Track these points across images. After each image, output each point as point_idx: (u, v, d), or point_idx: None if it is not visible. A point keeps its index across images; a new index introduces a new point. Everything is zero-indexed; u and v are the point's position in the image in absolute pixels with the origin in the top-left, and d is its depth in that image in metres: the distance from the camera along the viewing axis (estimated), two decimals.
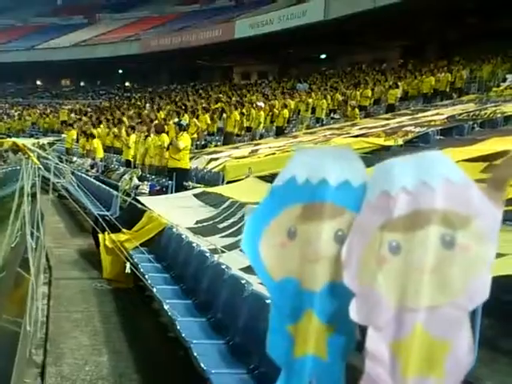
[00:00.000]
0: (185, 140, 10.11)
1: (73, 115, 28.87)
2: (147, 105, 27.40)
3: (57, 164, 5.77)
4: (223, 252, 4.68)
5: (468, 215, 1.38)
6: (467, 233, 1.38)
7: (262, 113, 17.55)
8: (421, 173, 1.44)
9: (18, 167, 5.16)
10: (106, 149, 16.47)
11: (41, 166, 4.43)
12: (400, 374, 1.44)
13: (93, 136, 15.50)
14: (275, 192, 1.72)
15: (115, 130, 16.51)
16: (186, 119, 15.31)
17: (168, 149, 10.49)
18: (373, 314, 1.47)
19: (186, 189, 9.20)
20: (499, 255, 2.53)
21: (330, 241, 1.60)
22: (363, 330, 1.52)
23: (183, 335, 3.67)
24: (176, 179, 9.70)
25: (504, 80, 18.82)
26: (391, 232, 1.46)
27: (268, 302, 3.29)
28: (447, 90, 19.10)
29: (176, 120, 14.51)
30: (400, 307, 1.44)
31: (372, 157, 9.67)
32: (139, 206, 6.88)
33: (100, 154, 14.69)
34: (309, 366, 1.64)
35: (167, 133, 11.88)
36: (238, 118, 16.80)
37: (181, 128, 10.43)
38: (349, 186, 1.60)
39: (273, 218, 1.70)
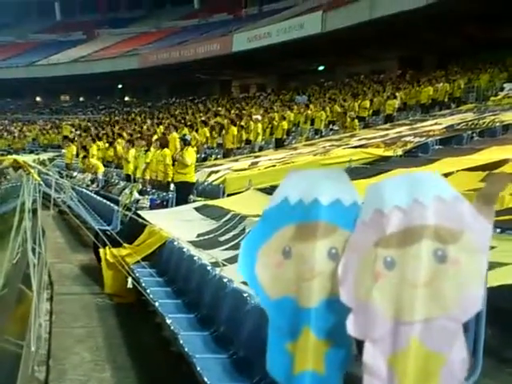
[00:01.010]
0: (190, 155, 10.14)
1: (73, 130, 28.98)
2: (148, 120, 27.49)
3: (57, 179, 5.77)
4: (225, 265, 4.67)
5: (459, 230, 1.43)
6: (458, 247, 1.43)
7: (259, 125, 17.61)
8: (413, 191, 1.49)
9: (19, 183, 5.18)
10: (106, 163, 16.51)
11: (42, 183, 4.44)
12: None
13: (87, 157, 15.49)
14: (268, 215, 1.76)
15: (115, 144, 16.56)
16: (185, 133, 15.34)
17: (173, 164, 10.51)
18: (369, 328, 1.50)
19: (188, 202, 9.20)
20: (503, 264, 2.53)
21: (324, 258, 1.64)
22: (360, 344, 1.53)
23: (186, 349, 3.66)
24: (181, 193, 9.70)
25: (502, 89, 18.90)
26: (385, 248, 1.51)
27: None
28: (445, 99, 19.18)
29: (178, 134, 14.59)
30: (396, 321, 1.46)
31: (371, 167, 9.70)
32: (140, 220, 6.88)
33: (101, 169, 14.72)
34: (308, 381, 1.65)
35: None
36: (236, 133, 16.84)
37: (185, 142, 10.46)
38: (340, 205, 1.64)
39: (267, 239, 1.74)
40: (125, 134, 19.46)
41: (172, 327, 4.09)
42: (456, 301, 1.41)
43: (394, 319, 1.48)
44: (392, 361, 1.48)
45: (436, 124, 14.14)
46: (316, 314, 1.64)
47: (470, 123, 13.10)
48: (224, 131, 17.82)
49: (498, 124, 12.52)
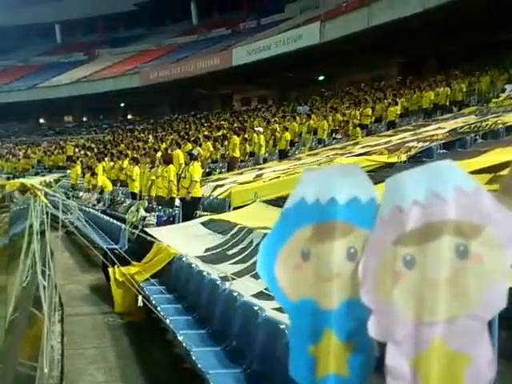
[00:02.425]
0: (197, 171, 10.16)
1: (76, 150, 29.13)
2: (150, 136, 27.60)
3: (64, 200, 5.80)
4: (234, 279, 4.67)
5: (481, 224, 1.38)
6: (480, 241, 1.38)
7: (262, 137, 17.67)
8: (431, 184, 1.44)
9: (26, 206, 5.20)
10: (112, 182, 16.57)
11: (49, 205, 4.46)
12: None
13: (95, 173, 15.52)
14: (286, 215, 1.74)
15: (120, 162, 16.63)
16: (188, 148, 15.39)
17: (179, 180, 10.53)
18: (391, 329, 1.47)
19: (194, 218, 9.20)
20: None
21: (342, 259, 1.62)
22: (382, 346, 1.51)
23: (199, 366, 3.65)
24: (188, 208, 9.71)
25: (503, 90, 18.90)
26: (405, 246, 1.47)
27: (282, 327, 3.28)
28: (447, 103, 19.18)
29: (182, 150, 14.64)
30: (418, 321, 1.43)
31: (376, 175, 9.69)
32: (147, 237, 6.89)
33: (109, 187, 14.75)
34: None
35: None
36: (238, 141, 16.90)
37: (192, 157, 10.49)
38: (357, 203, 1.61)
39: (286, 240, 1.72)
40: (129, 152, 19.55)
41: (184, 344, 4.09)
42: (479, 298, 1.38)
43: (415, 320, 1.46)
44: (415, 363, 1.45)
45: (439, 128, 14.12)
46: (337, 316, 1.63)
47: (472, 126, 13.08)
48: (226, 141, 17.88)
49: (500, 126, 12.49)
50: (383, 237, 1.52)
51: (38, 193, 4.03)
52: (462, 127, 13.27)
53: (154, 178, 11.86)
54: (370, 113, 19.47)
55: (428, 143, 11.84)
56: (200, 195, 10.37)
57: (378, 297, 1.51)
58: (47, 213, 4.94)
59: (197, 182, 10.07)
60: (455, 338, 1.40)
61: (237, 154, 16.74)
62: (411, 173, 1.51)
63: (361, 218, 1.60)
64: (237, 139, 16.94)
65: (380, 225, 1.54)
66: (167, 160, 11.60)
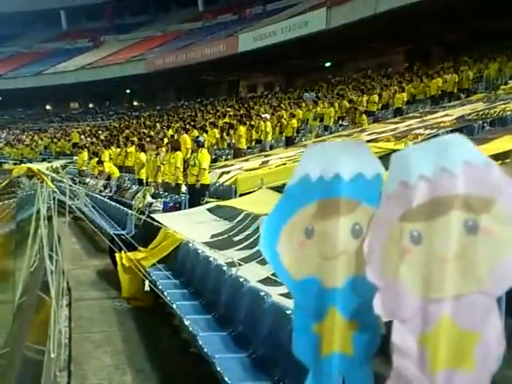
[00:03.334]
0: (206, 158, 10.17)
1: (83, 137, 29.16)
2: (157, 124, 27.59)
3: (71, 186, 5.82)
4: (240, 265, 4.68)
5: (490, 197, 1.35)
6: (490, 216, 1.35)
7: (268, 124, 17.61)
8: (439, 158, 1.41)
9: (33, 192, 5.22)
10: (118, 168, 16.57)
11: (56, 190, 4.47)
12: (429, 367, 1.41)
13: (101, 161, 15.52)
14: (290, 192, 1.72)
15: (127, 149, 16.62)
16: (194, 135, 15.37)
17: (187, 167, 10.53)
18: (398, 307, 1.45)
19: (201, 204, 9.22)
20: None
21: (347, 236, 1.59)
22: (389, 324, 1.50)
23: (205, 350, 3.67)
24: (195, 195, 9.73)
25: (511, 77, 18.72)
26: (412, 222, 1.44)
27: (288, 312, 3.29)
28: (454, 90, 19.03)
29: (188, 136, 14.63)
30: (425, 298, 1.41)
31: (383, 162, 9.60)
32: (154, 223, 6.91)
33: (116, 174, 14.77)
34: (336, 363, 1.63)
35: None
36: (243, 132, 16.84)
37: (199, 144, 10.49)
38: (362, 179, 1.59)
39: (289, 217, 1.70)
40: (135, 139, 19.55)
41: (190, 328, 4.11)
42: (489, 273, 1.35)
43: (423, 297, 1.43)
44: (422, 340, 1.43)
45: (446, 115, 14.02)
46: (342, 294, 1.61)
47: (480, 113, 12.97)
48: (232, 131, 17.85)
49: (509, 113, 12.39)
50: (389, 213, 1.49)
51: (45, 178, 4.04)
52: (470, 114, 13.17)
53: (159, 163, 11.88)
54: (376, 99, 19.35)
55: (435, 130, 11.76)
56: (208, 182, 10.38)
57: (384, 274, 1.49)
58: (54, 198, 4.95)
59: (206, 169, 10.08)
60: (463, 316, 1.38)
61: (242, 145, 16.69)
62: (418, 148, 1.48)
63: (366, 194, 1.58)
64: (242, 130, 16.87)
65: (386, 201, 1.51)
66: (175, 146, 11.59)
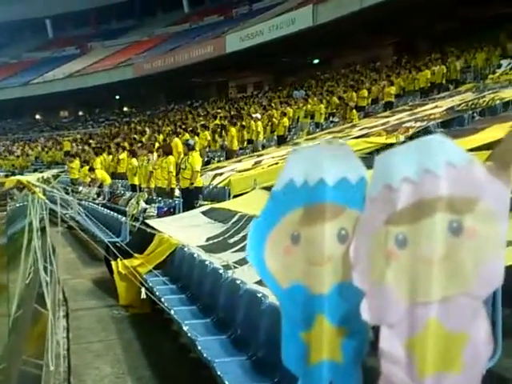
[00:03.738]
0: (197, 161, 10.17)
1: (74, 145, 29.05)
2: (147, 129, 27.52)
3: (62, 196, 5.78)
4: (236, 267, 4.67)
5: (474, 197, 1.33)
6: (474, 216, 1.33)
7: (259, 123, 17.59)
8: (422, 160, 1.40)
9: (25, 203, 5.19)
10: (111, 175, 16.51)
11: (47, 201, 4.44)
12: (417, 371, 1.40)
13: (93, 168, 15.46)
14: (275, 197, 1.70)
15: (119, 156, 16.57)
16: (186, 138, 15.34)
17: (179, 171, 10.52)
18: (384, 312, 1.44)
19: (195, 207, 9.20)
20: (510, 243, 2.50)
21: (333, 241, 1.58)
22: (376, 329, 1.49)
23: (205, 355, 3.66)
24: (189, 198, 9.71)
25: (499, 66, 18.79)
26: (397, 225, 1.43)
27: None
28: (443, 82, 19.08)
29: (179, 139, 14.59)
30: (412, 302, 1.40)
31: (375, 156, 9.60)
32: (149, 229, 6.89)
33: (108, 181, 14.72)
34: (325, 371, 1.62)
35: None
36: (235, 133, 16.82)
37: (189, 148, 10.47)
38: (347, 183, 1.58)
39: (275, 224, 1.68)
40: (126, 145, 19.48)
41: (189, 334, 4.09)
42: (475, 275, 1.34)
43: (409, 301, 1.42)
44: (410, 345, 1.42)
45: (436, 107, 14.07)
46: (329, 301, 1.60)
47: (470, 103, 13.03)
48: (224, 132, 17.83)
49: (498, 102, 12.45)
50: (374, 217, 1.48)
51: (36, 189, 4.01)
52: (460, 105, 13.22)
53: (151, 169, 11.84)
54: (366, 94, 19.36)
55: (426, 122, 11.80)
56: (201, 185, 10.37)
57: (371, 279, 1.48)
58: (46, 209, 4.92)
59: (198, 172, 10.06)
60: (451, 318, 1.37)
61: (235, 146, 16.67)
62: (400, 149, 1.47)
63: (351, 198, 1.57)
64: (234, 131, 16.85)
65: (370, 204, 1.50)
66: (166, 151, 11.57)
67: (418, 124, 11.77)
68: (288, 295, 1.67)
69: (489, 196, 1.33)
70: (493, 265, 1.33)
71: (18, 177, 5.39)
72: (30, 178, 5.03)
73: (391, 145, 10.72)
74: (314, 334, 1.63)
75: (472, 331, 1.36)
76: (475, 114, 12.21)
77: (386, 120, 14.52)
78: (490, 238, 1.33)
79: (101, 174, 14.89)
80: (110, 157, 17.75)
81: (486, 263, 1.33)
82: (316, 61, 33.43)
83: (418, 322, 1.41)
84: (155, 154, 12.67)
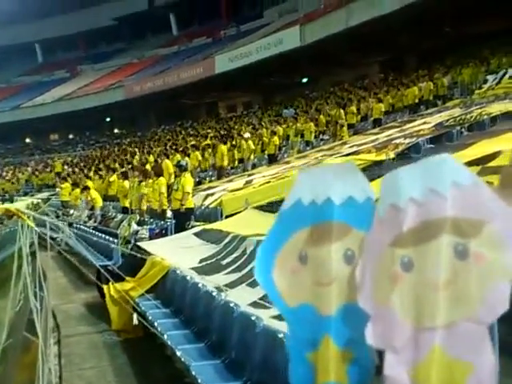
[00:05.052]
0: (189, 182, 10.12)
1: (65, 167, 28.96)
2: (136, 150, 27.51)
3: (52, 222, 5.73)
4: (227, 290, 4.63)
5: (480, 220, 1.31)
6: (480, 240, 1.31)
7: (250, 142, 17.64)
8: (428, 180, 1.38)
9: (15, 228, 5.12)
10: (102, 197, 16.44)
11: (36, 228, 4.39)
12: None
13: (87, 187, 15.39)
14: (283, 217, 1.69)
15: (109, 178, 16.52)
16: (177, 159, 15.32)
17: (170, 193, 10.48)
18: (389, 336, 1.41)
19: (187, 229, 9.15)
20: None
21: (340, 262, 1.57)
22: (381, 353, 1.46)
23: (199, 380, 3.60)
24: (180, 219, 9.66)
25: (485, 81, 19.02)
26: (402, 248, 1.41)
27: (281, 336, 3.24)
28: (430, 98, 19.27)
29: (170, 160, 14.56)
30: (416, 327, 1.37)
31: (365, 173, 9.61)
32: (141, 251, 6.83)
33: (99, 203, 14.63)
34: None
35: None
36: (225, 151, 16.84)
37: (181, 169, 10.45)
38: (353, 203, 1.57)
39: (283, 244, 1.67)
40: (117, 166, 19.45)
41: (183, 359, 4.03)
42: (481, 301, 1.31)
43: (414, 326, 1.39)
44: (414, 372, 1.39)
45: (425, 123, 14.17)
46: (336, 322, 1.58)
47: (458, 119, 13.14)
48: (214, 150, 17.86)
49: (485, 117, 12.56)
50: (380, 238, 1.46)
51: (24, 217, 3.97)
52: (448, 120, 13.33)
53: (143, 191, 11.79)
54: (354, 110, 19.47)
55: (415, 139, 11.87)
56: (192, 206, 10.32)
57: (376, 302, 1.45)
58: (37, 233, 4.86)
59: (189, 193, 10.03)
60: (455, 345, 1.34)
61: (225, 163, 16.68)
62: (407, 169, 1.45)
63: (357, 218, 1.56)
64: (224, 148, 16.89)
65: (377, 225, 1.48)
66: (157, 172, 11.55)
67: (408, 140, 11.83)
68: (295, 315, 1.65)
69: (495, 220, 1.31)
70: (499, 291, 1.29)
71: (6, 205, 5.34)
72: (19, 204, 4.98)
73: (381, 162, 10.78)
74: (320, 355, 1.60)
75: (477, 360, 1.32)
76: (463, 130, 12.31)
77: (375, 137, 14.61)
78: (496, 263, 1.30)
79: (95, 194, 14.80)
80: (101, 180, 17.70)
81: (491, 289, 1.30)
82: (304, 80, 33.69)
83: (422, 348, 1.38)
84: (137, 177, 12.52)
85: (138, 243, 8.32)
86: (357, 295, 1.50)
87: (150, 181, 11.60)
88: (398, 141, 12.10)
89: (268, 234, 1.72)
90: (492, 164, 6.47)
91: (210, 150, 18.55)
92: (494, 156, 7.02)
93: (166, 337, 4.62)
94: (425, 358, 1.37)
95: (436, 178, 1.38)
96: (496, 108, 13.09)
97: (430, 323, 1.36)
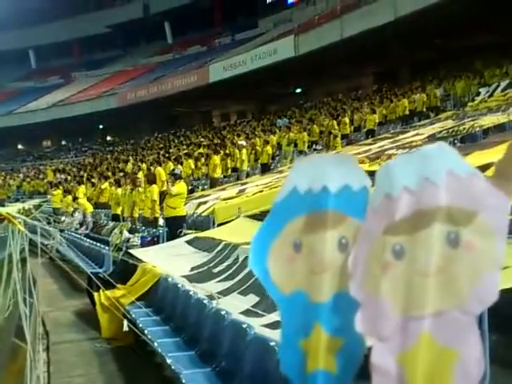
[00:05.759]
0: (180, 187, 10.08)
1: (58, 175, 28.84)
2: (130, 158, 27.46)
3: (43, 227, 5.69)
4: (219, 298, 4.61)
5: (473, 209, 1.31)
6: (472, 229, 1.31)
7: (244, 151, 17.66)
8: (423, 168, 1.38)
9: (5, 234, 5.09)
10: (94, 205, 16.38)
11: (27, 233, 4.36)
12: None
13: (77, 197, 15.36)
14: (278, 207, 1.69)
15: (101, 186, 16.47)
16: (170, 167, 15.31)
17: (162, 200, 10.47)
18: (378, 324, 1.41)
19: (179, 236, 9.12)
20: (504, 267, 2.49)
21: (334, 250, 1.57)
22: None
23: None
24: (172, 227, 9.63)
25: (478, 94, 19.19)
26: (394, 235, 1.41)
27: (272, 344, 3.22)
28: (423, 109, 19.40)
29: (163, 168, 14.55)
30: (405, 315, 1.37)
31: None
32: (132, 258, 6.80)
33: (89, 209, 14.57)
34: (320, 381, 1.59)
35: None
36: (218, 162, 16.83)
37: (176, 177, 10.44)
38: (349, 191, 1.57)
39: (278, 233, 1.67)
40: (110, 174, 19.39)
41: (173, 366, 4.01)
42: (470, 290, 1.30)
43: (403, 313, 1.38)
44: (402, 359, 1.38)
45: (417, 134, 14.25)
46: (327, 310, 1.57)
47: (450, 130, 13.22)
48: (207, 160, 17.86)
49: (478, 129, 12.65)
50: (373, 226, 1.46)
51: (15, 221, 3.94)
52: (440, 132, 13.41)
53: (135, 199, 11.77)
54: (347, 121, 19.56)
55: (407, 150, 11.91)
56: (184, 213, 10.29)
57: (366, 290, 1.45)
58: (27, 239, 4.83)
59: (173, 195, 9.91)
60: (443, 333, 1.34)
61: (217, 174, 16.65)
62: (402, 158, 1.45)
63: (353, 206, 1.55)
64: (217, 159, 16.87)
65: (371, 214, 1.48)
66: (150, 179, 11.55)
67: (400, 151, 11.87)
68: (289, 302, 1.65)
69: (489, 209, 1.30)
70: (489, 281, 1.30)
71: None
72: (11, 209, 4.95)
73: (374, 172, 10.80)
74: (311, 343, 1.60)
75: (464, 348, 1.32)
76: (456, 141, 12.37)
77: (368, 147, 14.66)
78: (487, 252, 1.30)
79: (83, 203, 14.76)
80: (93, 188, 17.65)
81: (481, 279, 1.30)
82: (298, 90, 33.84)
83: (410, 336, 1.38)
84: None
85: (130, 250, 8.28)
86: (349, 283, 1.49)
87: (141, 189, 11.58)
88: (390, 152, 12.15)
89: (262, 225, 1.72)
90: (484, 175, 6.50)
91: (203, 160, 18.54)
92: (486, 167, 7.05)
93: (156, 344, 4.59)
94: (413, 345, 1.37)
95: (431, 166, 1.37)
96: (488, 120, 13.19)
97: (419, 311, 1.36)
